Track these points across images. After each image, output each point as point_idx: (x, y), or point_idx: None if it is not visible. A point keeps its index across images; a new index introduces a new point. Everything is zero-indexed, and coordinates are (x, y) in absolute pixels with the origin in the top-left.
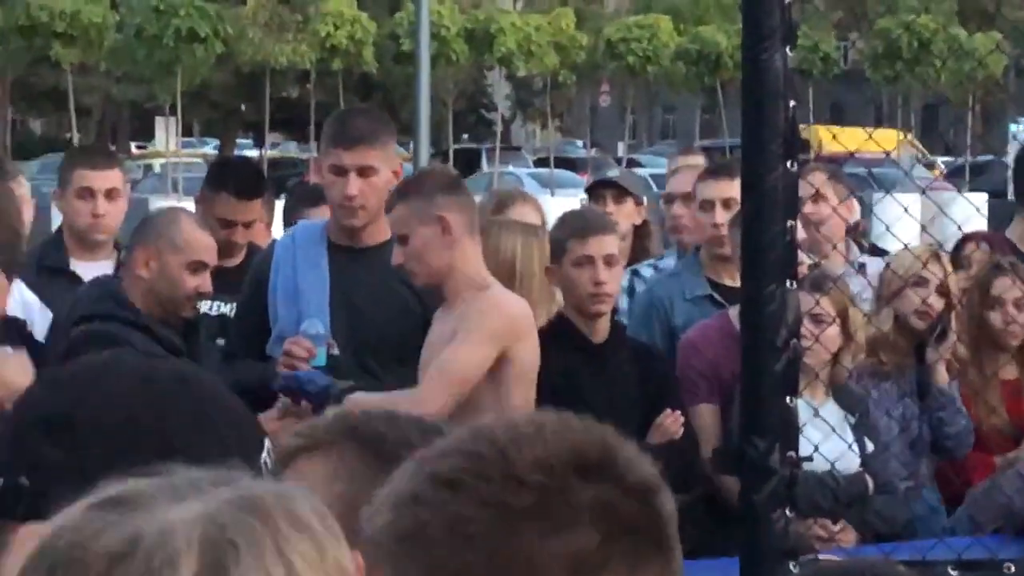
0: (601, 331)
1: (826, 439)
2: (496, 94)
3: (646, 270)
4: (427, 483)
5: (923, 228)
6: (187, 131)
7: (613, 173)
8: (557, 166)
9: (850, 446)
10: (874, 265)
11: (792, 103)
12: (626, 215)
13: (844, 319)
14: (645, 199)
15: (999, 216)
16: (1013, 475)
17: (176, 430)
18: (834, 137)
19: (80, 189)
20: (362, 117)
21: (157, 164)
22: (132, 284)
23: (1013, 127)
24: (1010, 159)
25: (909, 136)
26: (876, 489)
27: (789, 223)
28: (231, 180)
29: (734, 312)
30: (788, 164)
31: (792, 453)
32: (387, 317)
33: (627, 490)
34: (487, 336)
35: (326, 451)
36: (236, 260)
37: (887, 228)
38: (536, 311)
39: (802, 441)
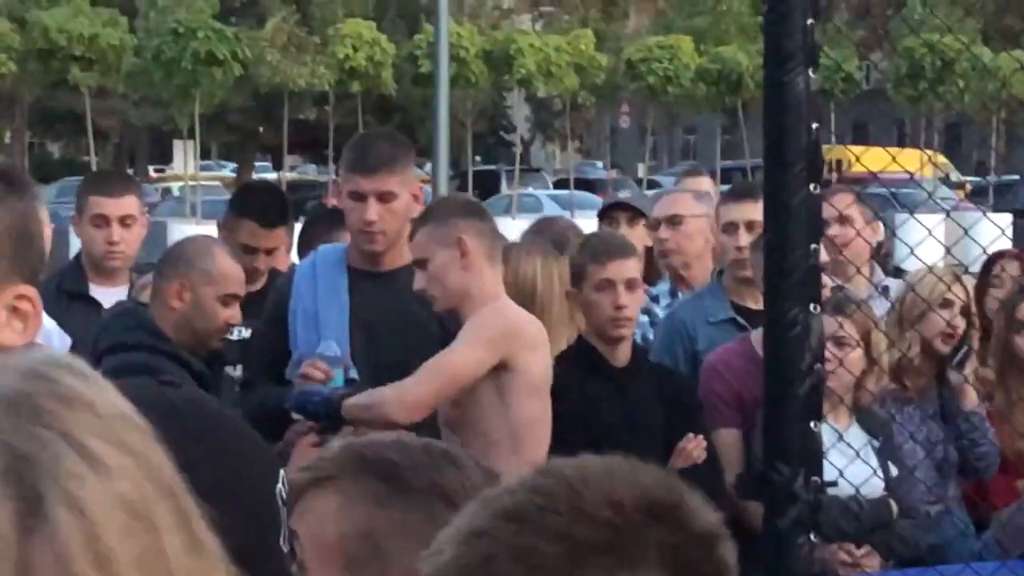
0: (622, 355)
1: (850, 463)
2: (515, 115)
3: None
4: (493, 517)
5: (947, 250)
6: (205, 154)
7: (625, 194)
8: (577, 187)
9: (875, 471)
10: (896, 286)
11: (815, 125)
12: (639, 237)
13: (868, 343)
14: None
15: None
16: None
17: (192, 461)
18: (857, 159)
19: (94, 216)
20: (381, 142)
21: (176, 187)
22: (163, 314)
23: None
24: None
25: (935, 155)
26: (900, 513)
27: (812, 246)
28: (255, 207)
29: (756, 336)
30: (811, 187)
31: (816, 479)
32: (406, 342)
33: (693, 536)
34: (484, 340)
35: (336, 484)
36: (258, 286)
37: (911, 251)
38: (556, 334)
39: (826, 466)
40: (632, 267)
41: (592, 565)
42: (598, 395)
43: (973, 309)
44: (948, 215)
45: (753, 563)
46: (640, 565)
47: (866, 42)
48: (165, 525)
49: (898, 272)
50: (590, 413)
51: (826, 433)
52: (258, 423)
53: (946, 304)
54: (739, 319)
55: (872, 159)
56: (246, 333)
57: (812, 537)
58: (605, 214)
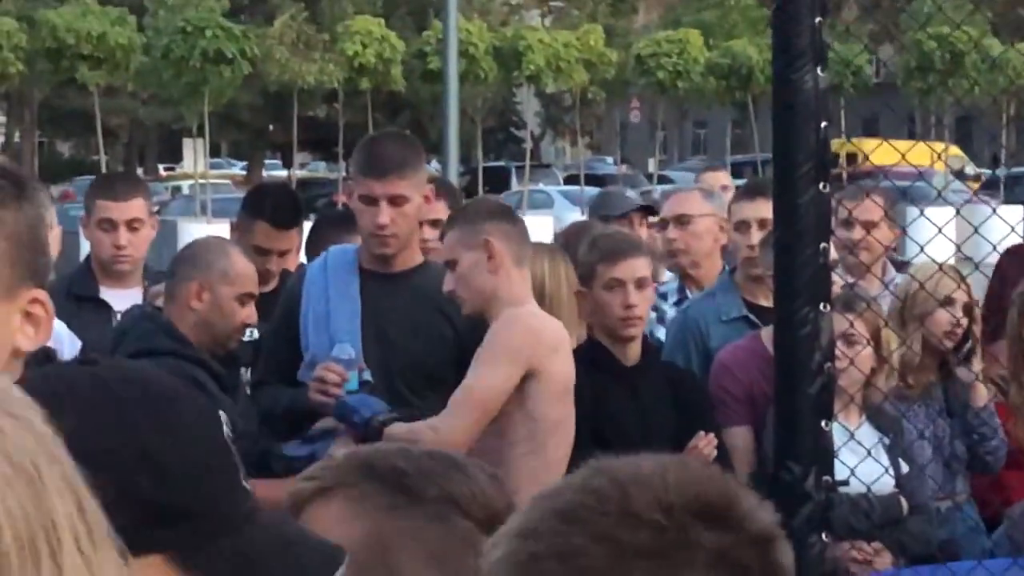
0: (633, 354)
1: (861, 462)
2: (525, 111)
3: None
4: (543, 516)
5: (958, 248)
6: (215, 152)
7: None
8: (587, 183)
9: (887, 470)
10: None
11: (824, 124)
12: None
13: (877, 340)
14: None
15: None
16: None
17: (145, 432)
18: (866, 157)
19: (101, 220)
20: (392, 144)
21: (185, 186)
22: (181, 316)
23: None
24: None
25: (949, 147)
26: (911, 511)
27: (822, 245)
28: (269, 209)
29: (766, 333)
30: (820, 186)
31: (828, 478)
32: (418, 343)
33: (746, 539)
34: (507, 354)
35: (342, 493)
36: (270, 287)
37: (921, 249)
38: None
39: (837, 465)
40: (642, 266)
41: (637, 568)
42: (608, 394)
43: (977, 306)
44: (958, 213)
45: None
46: (685, 569)
47: (875, 35)
48: (54, 487)
49: (900, 266)
50: (601, 412)
51: (837, 432)
52: (270, 424)
53: (949, 301)
54: (751, 317)
55: (886, 154)
56: (255, 334)
57: (824, 536)
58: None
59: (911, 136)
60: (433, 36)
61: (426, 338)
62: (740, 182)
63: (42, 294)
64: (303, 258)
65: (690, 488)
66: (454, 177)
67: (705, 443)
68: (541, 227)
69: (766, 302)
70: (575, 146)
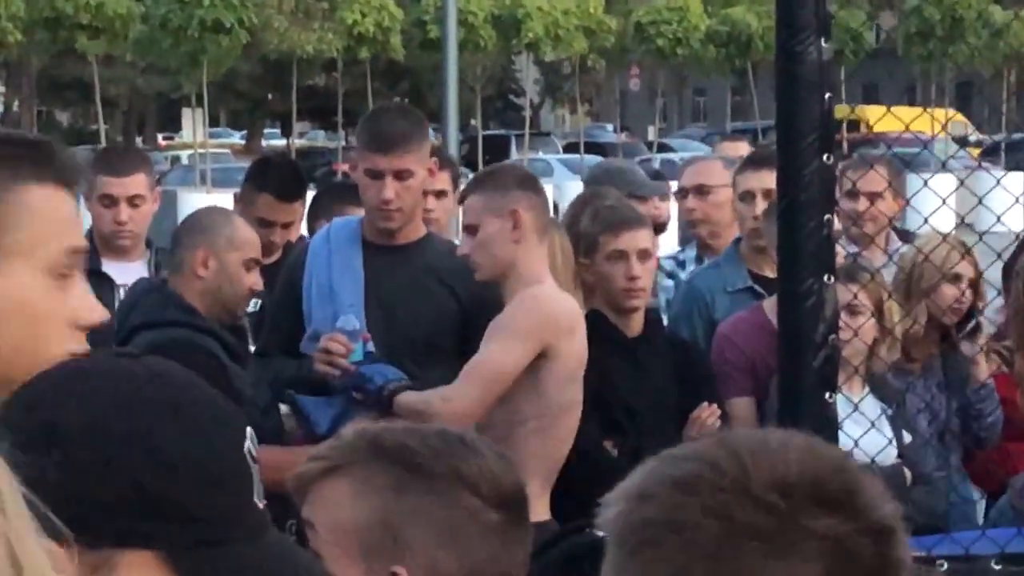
0: (635, 325)
1: (865, 432)
2: (524, 79)
3: (667, 262)
4: (662, 483)
5: (961, 219)
6: (214, 122)
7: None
8: (587, 151)
9: (891, 441)
10: (904, 250)
11: (828, 95)
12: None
13: (880, 311)
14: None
15: None
16: None
17: (159, 429)
18: (869, 127)
19: (102, 196)
20: (397, 118)
21: (184, 155)
22: (188, 285)
23: None
24: None
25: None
26: (914, 480)
27: (826, 217)
28: (273, 181)
29: (768, 304)
30: (824, 157)
31: None
32: (422, 315)
33: (863, 528)
34: (523, 333)
35: (351, 471)
36: (273, 259)
37: (925, 220)
38: None
39: (841, 436)
40: (644, 237)
41: (748, 549)
42: (611, 365)
43: (983, 280)
44: (962, 184)
45: None
46: (795, 556)
47: (875, 1)
48: None
49: (903, 234)
50: (604, 383)
51: (840, 403)
52: (274, 394)
53: (956, 278)
54: (757, 288)
55: (889, 121)
56: (259, 305)
57: None
58: None
59: (911, 102)
60: (432, 4)
61: (429, 310)
62: None
63: None
64: (304, 230)
65: (811, 471)
66: (454, 146)
67: (708, 414)
68: None
69: (771, 273)
70: (574, 114)
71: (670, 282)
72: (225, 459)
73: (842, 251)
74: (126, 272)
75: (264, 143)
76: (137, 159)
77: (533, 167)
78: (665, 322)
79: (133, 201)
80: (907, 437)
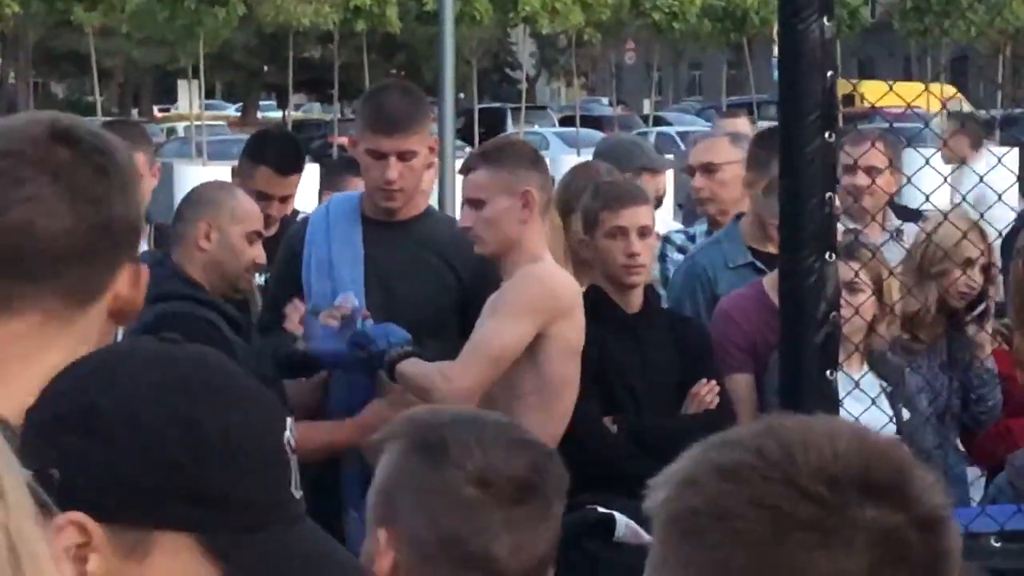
0: (635, 302)
1: (865, 410)
2: (520, 53)
3: (677, 236)
4: (709, 471)
5: (963, 198)
6: (210, 94)
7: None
8: (583, 125)
9: (891, 419)
10: (910, 230)
11: (830, 73)
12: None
13: (879, 288)
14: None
15: None
16: None
17: (200, 414)
18: (872, 105)
19: None
20: (399, 98)
21: (180, 127)
22: (190, 258)
23: None
24: None
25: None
26: (914, 457)
27: (828, 195)
28: (271, 154)
29: (768, 280)
30: (826, 135)
31: None
32: (422, 291)
33: (911, 519)
34: (524, 311)
35: (388, 445)
36: (271, 232)
37: (927, 198)
38: None
39: (842, 413)
40: (645, 214)
41: (793, 539)
42: (611, 342)
43: (994, 265)
44: (964, 163)
45: None
46: (841, 547)
47: None
48: None
49: (904, 212)
50: (603, 359)
51: (841, 381)
52: (277, 368)
53: (968, 262)
54: (758, 264)
55: (882, 95)
56: (261, 280)
57: None
58: None
59: (907, 76)
60: None
61: (429, 286)
62: None
63: None
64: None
65: (860, 461)
66: (450, 119)
67: (707, 390)
68: None
69: (774, 249)
70: (570, 87)
71: (680, 256)
72: (265, 446)
73: (840, 227)
74: None
75: (260, 115)
76: (134, 135)
77: (528, 140)
78: (663, 295)
79: None
80: (906, 414)
